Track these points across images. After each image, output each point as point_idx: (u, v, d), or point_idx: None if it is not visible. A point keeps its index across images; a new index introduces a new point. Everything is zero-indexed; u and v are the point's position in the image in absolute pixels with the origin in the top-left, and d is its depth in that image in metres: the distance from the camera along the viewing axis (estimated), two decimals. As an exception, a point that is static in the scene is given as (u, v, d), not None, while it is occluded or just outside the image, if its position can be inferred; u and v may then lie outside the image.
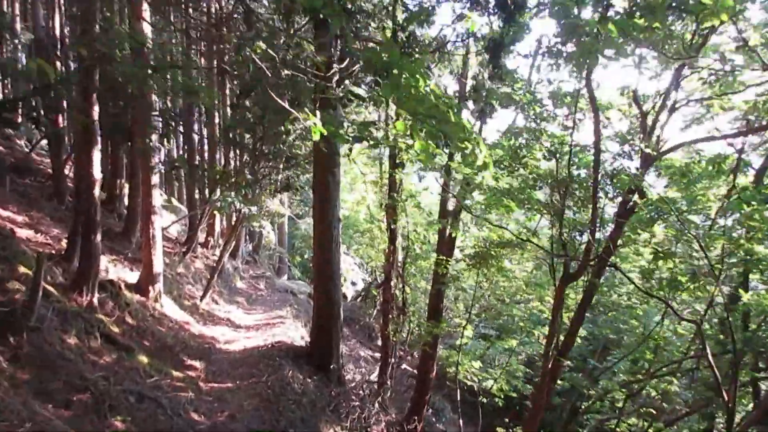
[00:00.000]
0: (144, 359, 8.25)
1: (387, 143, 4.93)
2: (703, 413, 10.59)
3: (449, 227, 12.40)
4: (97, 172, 8.29)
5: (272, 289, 23.04)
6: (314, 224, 11.85)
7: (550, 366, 8.82)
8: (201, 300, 14.99)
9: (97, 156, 8.26)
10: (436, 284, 12.60)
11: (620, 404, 11.84)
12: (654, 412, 11.10)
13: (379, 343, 22.80)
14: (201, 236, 21.89)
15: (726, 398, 6.46)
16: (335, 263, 11.54)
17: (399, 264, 13.69)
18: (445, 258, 12.12)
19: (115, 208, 16.54)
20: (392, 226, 13.28)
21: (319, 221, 11.52)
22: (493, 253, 10.68)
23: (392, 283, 13.45)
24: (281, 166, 15.18)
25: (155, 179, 11.84)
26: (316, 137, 3.76)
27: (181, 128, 19.74)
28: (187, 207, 21.16)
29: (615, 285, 11.57)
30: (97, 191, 8.29)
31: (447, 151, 11.40)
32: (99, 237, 8.46)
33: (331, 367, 11.32)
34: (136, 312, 10.20)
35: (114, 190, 16.82)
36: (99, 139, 8.49)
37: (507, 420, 13.54)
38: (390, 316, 13.51)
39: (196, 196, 20.27)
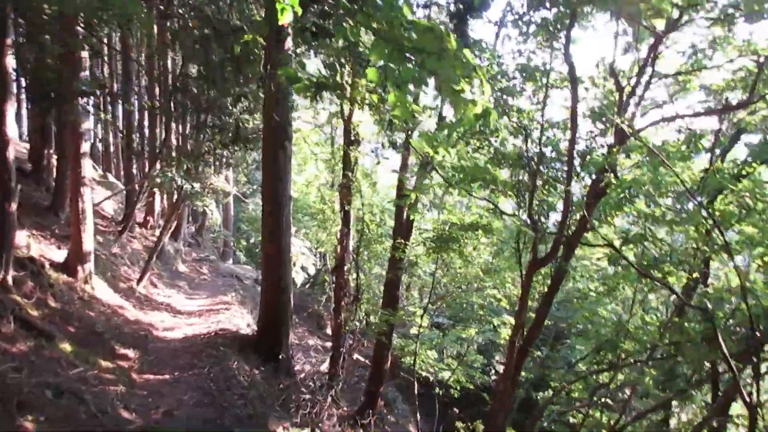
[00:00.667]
0: (67, 347, 7.24)
1: (357, 95, 4.18)
2: (663, 403, 10.31)
3: (407, 209, 11.75)
4: (12, 131, 7.15)
5: (216, 274, 21.93)
6: (263, 204, 10.96)
7: (515, 356, 8.29)
8: (138, 283, 13.87)
9: (11, 113, 7.10)
10: (393, 270, 11.92)
11: (576, 394, 11.48)
12: (612, 403, 10.80)
13: (329, 331, 21.99)
14: (140, 216, 20.60)
15: (747, 399, 5.81)
16: (285, 246, 10.70)
17: (353, 248, 12.95)
18: (402, 242, 11.45)
19: (42, 180, 15.19)
20: (346, 208, 12.51)
21: (268, 200, 10.64)
22: (454, 236, 10.02)
23: (345, 269, 12.69)
24: (227, 140, 14.13)
25: (85, 147, 10.70)
26: (284, 20, 2.95)
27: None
28: (125, 183, 19.79)
29: (580, 274, 11.16)
30: (11, 153, 7.16)
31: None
32: (14, 206, 7.35)
33: (280, 357, 10.50)
34: (61, 294, 9.11)
35: (42, 161, 15.43)
36: (18, 97, 7.40)
37: (458, 411, 13.02)
38: (342, 304, 12.75)
39: (134, 171, 18.94)
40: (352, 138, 12.67)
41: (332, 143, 16.42)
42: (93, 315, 9.51)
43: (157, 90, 17.57)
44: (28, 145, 16.94)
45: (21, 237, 10.27)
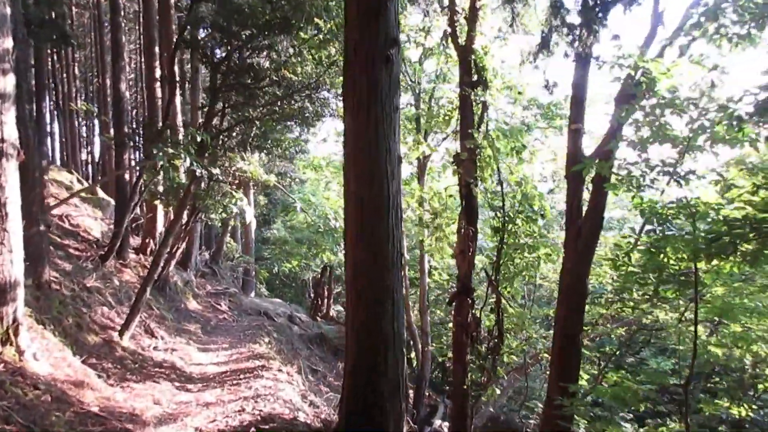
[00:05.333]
0: None
1: None
2: None
3: (589, 180, 6.54)
4: None
5: (239, 311, 16.60)
6: (347, 174, 5.65)
7: None
8: (122, 333, 8.59)
9: None
10: (572, 297, 6.51)
11: None
12: None
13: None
14: (137, 241, 15.48)
15: None
16: (393, 249, 5.34)
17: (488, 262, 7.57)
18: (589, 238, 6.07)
19: None
20: (472, 189, 7.20)
21: (360, 161, 5.38)
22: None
23: (473, 296, 7.29)
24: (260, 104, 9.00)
25: (5, 83, 5.53)
26: None
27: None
28: (116, 196, 14.61)
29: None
30: None
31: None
32: None
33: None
34: None
35: None
36: None
37: None
38: (467, 357, 7.36)
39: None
40: (475, 78, 7.49)
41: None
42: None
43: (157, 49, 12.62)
44: None
45: None
